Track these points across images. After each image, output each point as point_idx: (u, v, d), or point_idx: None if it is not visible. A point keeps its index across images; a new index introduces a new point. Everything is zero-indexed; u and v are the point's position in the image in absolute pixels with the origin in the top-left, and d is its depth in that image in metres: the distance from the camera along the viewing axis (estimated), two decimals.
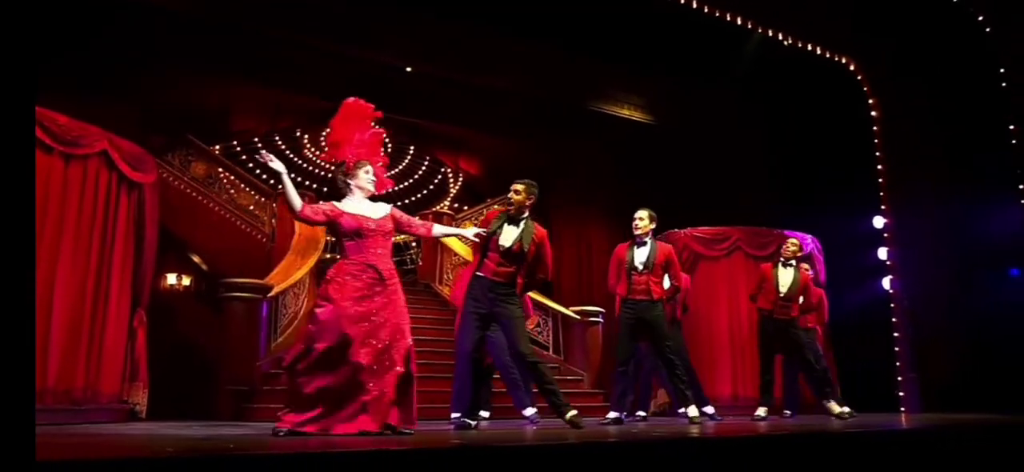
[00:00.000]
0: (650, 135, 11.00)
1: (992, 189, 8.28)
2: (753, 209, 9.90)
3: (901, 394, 8.66)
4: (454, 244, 11.02)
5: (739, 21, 8.94)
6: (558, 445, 3.02)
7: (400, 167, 13.31)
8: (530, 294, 7.21)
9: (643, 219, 5.68)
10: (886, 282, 9.08)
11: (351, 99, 4.32)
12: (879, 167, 9.28)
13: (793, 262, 6.64)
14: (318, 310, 3.81)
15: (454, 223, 11.78)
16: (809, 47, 9.33)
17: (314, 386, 3.70)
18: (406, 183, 13.37)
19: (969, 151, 8.56)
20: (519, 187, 4.87)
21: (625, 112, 10.95)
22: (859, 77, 9.49)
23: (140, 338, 6.38)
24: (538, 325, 9.93)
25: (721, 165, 10.66)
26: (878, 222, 9.28)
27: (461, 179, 13.74)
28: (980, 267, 8.47)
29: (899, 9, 8.75)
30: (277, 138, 12.33)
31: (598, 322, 9.11)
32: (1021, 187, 7.97)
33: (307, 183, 12.56)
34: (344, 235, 3.96)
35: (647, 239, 5.67)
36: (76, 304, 5.70)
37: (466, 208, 13.06)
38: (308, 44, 9.14)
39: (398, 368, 3.79)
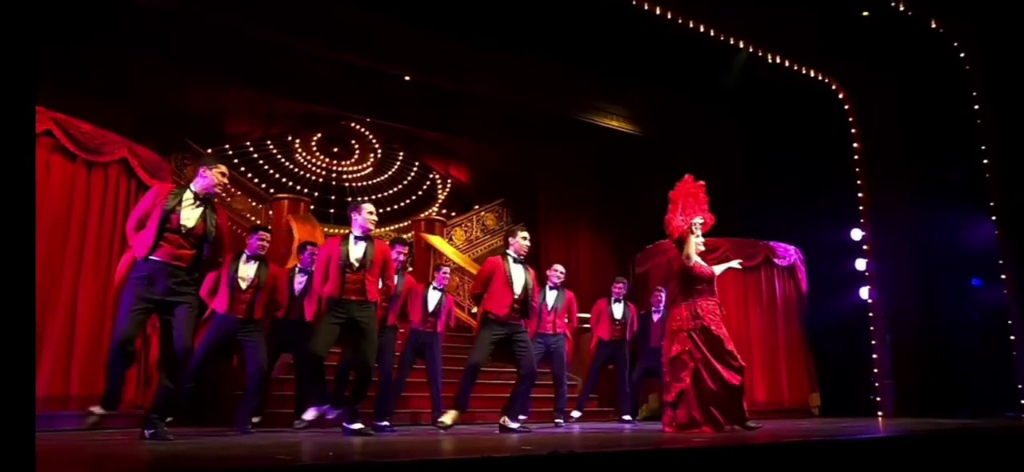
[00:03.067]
0: (636, 145, 11.28)
1: (964, 203, 8.71)
2: (738, 220, 10.24)
3: (878, 399, 9.09)
4: (440, 244, 11.22)
5: (726, 38, 9.31)
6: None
7: (389, 173, 13.45)
8: None
9: (372, 213, 5.24)
10: (864, 291, 9.51)
11: (687, 179, 5.64)
12: (858, 181, 9.72)
13: (523, 259, 5.86)
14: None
15: (444, 231, 12.00)
16: (793, 65, 9.73)
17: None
18: (395, 189, 13.50)
19: (942, 166, 9.02)
20: (224, 169, 4.59)
21: (612, 123, 11.16)
22: (840, 95, 9.93)
23: (153, 344, 6.45)
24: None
25: (706, 177, 10.95)
26: (856, 234, 9.71)
27: (449, 185, 13.92)
28: (952, 277, 8.94)
29: (878, 31, 9.16)
30: (269, 143, 12.38)
31: (590, 329, 9.35)
32: (991, 203, 8.45)
33: (298, 188, 12.64)
34: (701, 280, 5.34)
35: (369, 235, 5.21)
36: (98, 310, 5.78)
37: (454, 214, 13.25)
38: (300, 50, 9.21)
39: None
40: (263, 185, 12.11)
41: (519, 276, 5.59)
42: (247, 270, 5.65)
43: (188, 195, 4.34)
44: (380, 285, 5.30)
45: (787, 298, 9.65)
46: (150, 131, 9.84)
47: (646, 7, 8.60)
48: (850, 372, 9.48)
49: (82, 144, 5.76)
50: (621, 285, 8.05)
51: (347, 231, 5.25)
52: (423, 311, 6.85)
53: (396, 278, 5.83)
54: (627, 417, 7.73)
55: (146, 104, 9.47)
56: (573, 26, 9.28)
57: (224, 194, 10.67)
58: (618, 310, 7.91)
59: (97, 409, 4.22)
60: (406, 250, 6.42)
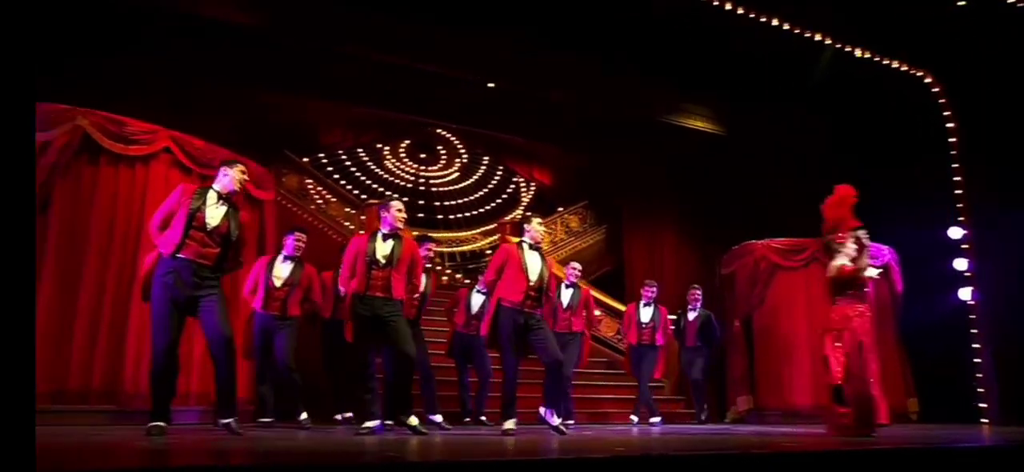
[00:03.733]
0: (719, 146, 11.15)
1: None
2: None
3: (983, 406, 8.70)
4: None
5: (813, 35, 9.14)
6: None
7: (474, 177, 13.78)
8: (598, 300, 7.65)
9: (401, 210, 5.22)
10: (964, 293, 9.11)
11: (837, 189, 5.81)
12: (956, 178, 9.33)
13: (538, 247, 5.63)
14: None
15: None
16: (883, 59, 9.44)
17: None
18: (480, 192, 13.83)
19: None
20: (243, 168, 4.65)
21: (696, 124, 11.07)
22: (936, 89, 9.57)
23: (238, 341, 6.84)
24: (618, 332, 10.28)
25: (792, 177, 10.77)
26: (955, 233, 9.31)
27: (533, 189, 14.14)
28: None
29: (976, 21, 8.79)
30: (360, 150, 12.90)
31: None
32: None
33: (388, 193, 13.09)
34: (855, 285, 5.55)
35: (397, 233, 5.15)
36: None
37: (539, 217, 13.42)
38: (387, 63, 9.51)
39: None
40: (355, 191, 12.64)
41: (534, 263, 5.40)
42: (282, 270, 6.04)
43: (212, 194, 4.46)
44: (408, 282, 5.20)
45: (881, 299, 9.33)
46: (249, 143, 10.46)
47: (728, 6, 8.55)
48: (949, 376, 9.09)
49: (196, 159, 6.25)
50: (651, 289, 8.06)
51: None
52: (466, 314, 7.02)
53: (422, 278, 5.67)
54: (654, 419, 7.71)
55: (247, 119, 10.01)
56: (653, 29, 9.29)
57: (320, 200, 11.21)
58: (646, 314, 7.92)
59: (160, 423, 4.16)
60: (433, 248, 6.53)
